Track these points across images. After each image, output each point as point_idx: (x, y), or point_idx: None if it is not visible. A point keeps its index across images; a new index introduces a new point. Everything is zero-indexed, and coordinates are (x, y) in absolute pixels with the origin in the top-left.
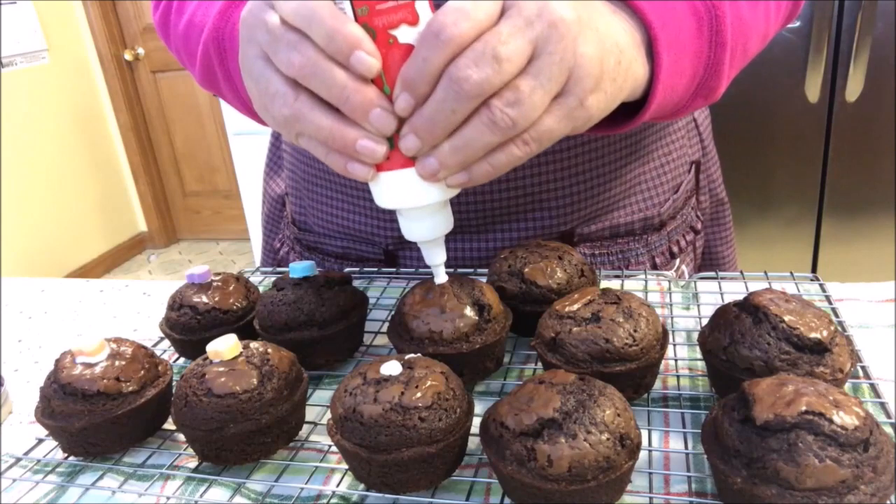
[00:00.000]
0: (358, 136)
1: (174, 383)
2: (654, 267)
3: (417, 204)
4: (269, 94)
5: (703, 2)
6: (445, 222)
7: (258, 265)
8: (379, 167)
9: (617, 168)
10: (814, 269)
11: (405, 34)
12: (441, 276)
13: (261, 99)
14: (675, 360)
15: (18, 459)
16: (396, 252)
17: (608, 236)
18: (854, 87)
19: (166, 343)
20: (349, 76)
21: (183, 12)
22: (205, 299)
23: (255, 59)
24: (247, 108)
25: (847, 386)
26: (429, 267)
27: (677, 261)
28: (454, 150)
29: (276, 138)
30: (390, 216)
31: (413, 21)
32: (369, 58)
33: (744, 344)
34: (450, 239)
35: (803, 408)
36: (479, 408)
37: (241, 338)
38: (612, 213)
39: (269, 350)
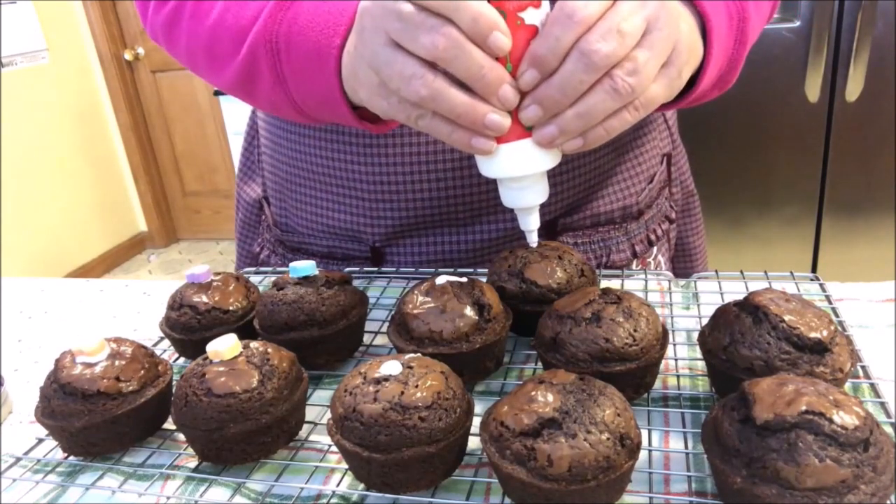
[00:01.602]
0: (487, 111)
1: (174, 383)
2: (635, 254)
3: (531, 171)
4: (404, 76)
5: (735, 2)
6: (545, 191)
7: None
8: (497, 140)
9: (595, 159)
10: (814, 269)
11: (531, 16)
12: (534, 241)
13: (389, 84)
14: (675, 360)
15: (18, 459)
16: (383, 249)
17: (589, 225)
18: (854, 87)
19: (166, 343)
20: (484, 55)
21: (203, 14)
22: (205, 299)
23: (381, 46)
24: (292, 110)
25: (847, 386)
26: (427, 267)
27: (654, 249)
28: (577, 117)
29: (249, 143)
30: (377, 213)
31: (538, 5)
32: (504, 37)
33: (744, 344)
34: (437, 233)
35: (803, 407)
36: (479, 408)
37: (241, 338)
38: (592, 203)
39: (269, 350)
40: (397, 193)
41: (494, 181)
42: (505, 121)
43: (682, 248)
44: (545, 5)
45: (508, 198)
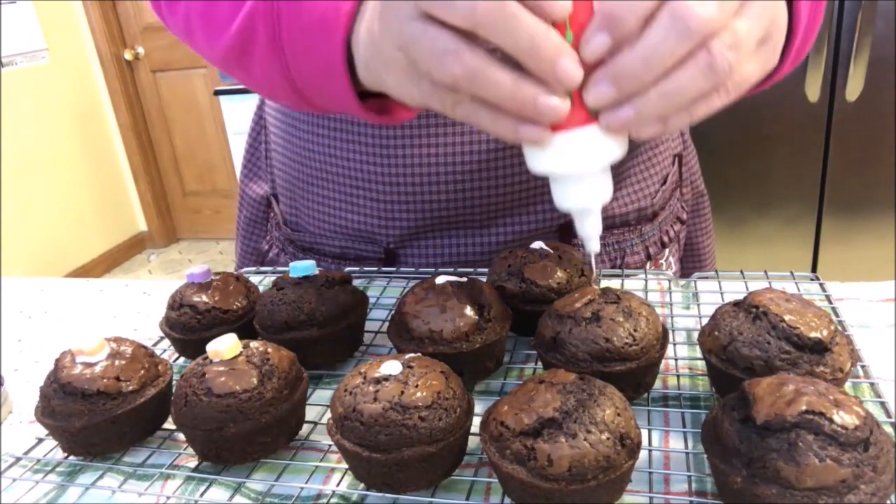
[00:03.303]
0: (538, 92)
1: (174, 383)
2: (648, 256)
3: (595, 165)
4: (436, 53)
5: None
6: (609, 187)
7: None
8: (552, 128)
9: None
10: (814, 269)
11: None
12: (595, 249)
13: (419, 64)
14: (676, 360)
15: (18, 459)
16: (397, 251)
17: (605, 227)
18: (854, 87)
19: (166, 343)
20: (537, 21)
21: None
22: (205, 299)
23: (409, 20)
24: (288, 88)
25: (847, 385)
26: (428, 267)
27: (667, 250)
28: (662, 97)
29: (254, 139)
30: (392, 214)
31: None
32: None
33: (744, 343)
34: (453, 235)
35: (803, 407)
36: (479, 407)
37: (241, 337)
38: (607, 205)
39: (269, 349)
40: (414, 195)
41: (513, 185)
42: (563, 104)
43: (691, 248)
44: None
45: (564, 197)
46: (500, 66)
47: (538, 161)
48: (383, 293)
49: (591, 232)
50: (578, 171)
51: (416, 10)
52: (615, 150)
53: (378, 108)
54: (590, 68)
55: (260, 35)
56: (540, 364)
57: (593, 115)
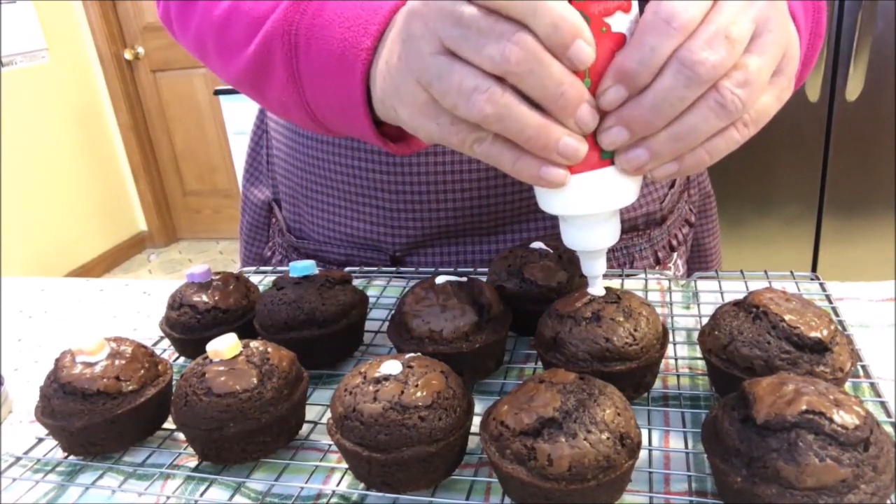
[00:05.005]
0: (562, 134)
1: (174, 383)
2: (657, 261)
3: (607, 207)
4: (463, 90)
5: (813, 1)
6: (617, 230)
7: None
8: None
9: None
10: (814, 269)
11: (619, 22)
12: (599, 289)
13: (443, 100)
14: (676, 360)
15: (18, 459)
16: (404, 259)
17: None
18: (854, 87)
19: (166, 342)
20: (564, 70)
21: None
22: (205, 298)
23: (433, 55)
24: (304, 115)
25: (847, 385)
26: (429, 267)
27: (675, 254)
28: (674, 139)
29: (256, 143)
30: (399, 223)
31: (627, 8)
32: (588, 48)
33: (744, 343)
34: (460, 242)
35: (803, 407)
36: (479, 407)
37: (240, 337)
38: None
39: (269, 349)
40: (421, 203)
41: (521, 192)
42: (582, 146)
43: (697, 249)
44: (635, 8)
45: (573, 238)
46: (528, 106)
47: (552, 202)
48: (383, 293)
49: (597, 272)
50: (591, 213)
51: (439, 46)
52: (628, 193)
53: (394, 133)
54: (604, 111)
55: (277, 64)
56: (540, 364)
57: (604, 159)
